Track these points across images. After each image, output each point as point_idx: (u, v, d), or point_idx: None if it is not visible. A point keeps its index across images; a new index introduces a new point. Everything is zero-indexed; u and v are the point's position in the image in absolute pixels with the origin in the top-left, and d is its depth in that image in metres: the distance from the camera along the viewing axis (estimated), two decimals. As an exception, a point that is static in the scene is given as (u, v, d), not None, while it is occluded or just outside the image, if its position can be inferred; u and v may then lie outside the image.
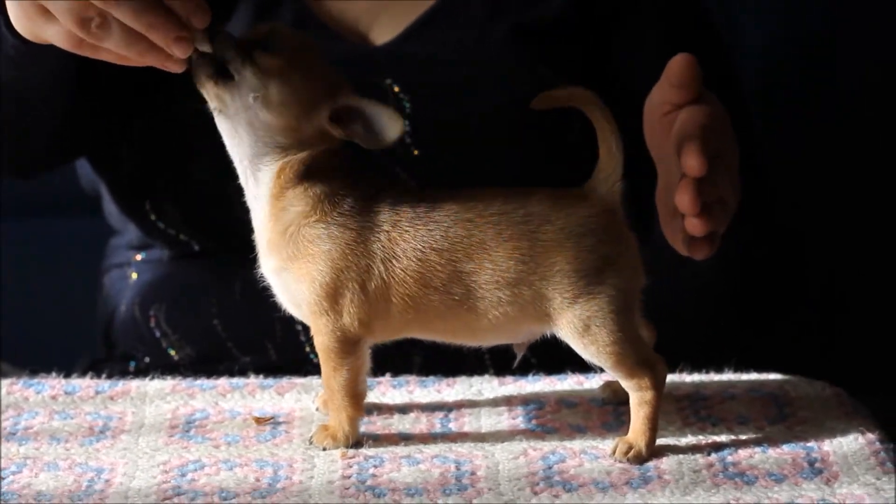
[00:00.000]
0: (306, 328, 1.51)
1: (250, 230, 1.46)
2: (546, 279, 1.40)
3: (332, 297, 1.41)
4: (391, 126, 1.40)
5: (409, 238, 1.41)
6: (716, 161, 1.41)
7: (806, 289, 2.02)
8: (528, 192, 1.43)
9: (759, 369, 1.58)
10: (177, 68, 1.39)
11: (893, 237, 2.20)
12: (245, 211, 1.46)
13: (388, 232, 1.41)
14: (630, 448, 1.41)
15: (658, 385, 1.42)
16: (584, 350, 1.42)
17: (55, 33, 1.40)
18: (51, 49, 1.43)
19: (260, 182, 1.43)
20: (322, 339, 1.43)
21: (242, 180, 1.45)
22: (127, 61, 1.39)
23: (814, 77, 2.20)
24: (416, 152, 1.76)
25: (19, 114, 1.70)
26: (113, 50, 1.38)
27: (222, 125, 1.43)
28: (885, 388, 2.00)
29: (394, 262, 1.41)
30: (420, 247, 1.40)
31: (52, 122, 1.74)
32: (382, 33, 1.81)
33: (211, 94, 1.41)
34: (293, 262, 1.42)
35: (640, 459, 1.41)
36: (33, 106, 1.69)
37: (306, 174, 1.42)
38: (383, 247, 1.41)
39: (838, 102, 2.19)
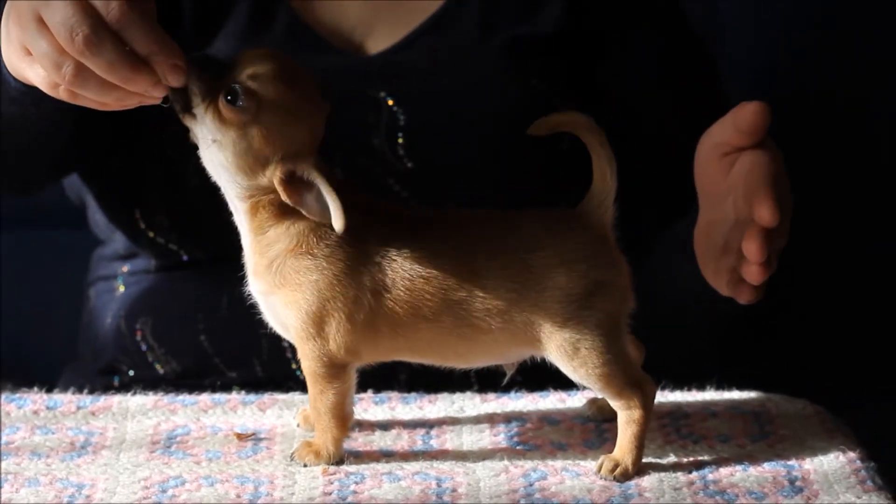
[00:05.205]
0: (293, 346, 1.51)
1: (239, 239, 1.44)
2: (537, 305, 1.40)
3: (318, 324, 1.40)
4: (335, 221, 1.36)
5: (398, 269, 1.39)
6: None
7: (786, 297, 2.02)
8: (519, 215, 1.42)
9: (741, 387, 1.59)
10: (157, 101, 1.38)
11: (873, 246, 2.20)
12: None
13: (378, 263, 1.39)
14: (616, 466, 1.41)
15: (647, 404, 1.42)
16: (574, 373, 1.42)
17: (35, 75, 1.39)
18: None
19: (238, 212, 1.43)
20: (309, 364, 1.42)
21: (228, 201, 1.44)
22: (107, 107, 1.38)
23: (804, 83, 2.19)
24: (409, 164, 1.76)
25: (23, 143, 1.70)
26: (91, 98, 1.37)
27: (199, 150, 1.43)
28: (860, 399, 2.00)
29: (383, 292, 1.39)
30: (410, 276, 1.39)
31: (54, 148, 1.74)
32: (377, 45, 1.81)
33: (186, 123, 1.40)
34: (280, 289, 1.41)
35: (626, 477, 1.41)
36: (36, 137, 1.69)
37: (287, 210, 1.39)
38: (373, 278, 1.39)
39: (834, 107, 2.18)
